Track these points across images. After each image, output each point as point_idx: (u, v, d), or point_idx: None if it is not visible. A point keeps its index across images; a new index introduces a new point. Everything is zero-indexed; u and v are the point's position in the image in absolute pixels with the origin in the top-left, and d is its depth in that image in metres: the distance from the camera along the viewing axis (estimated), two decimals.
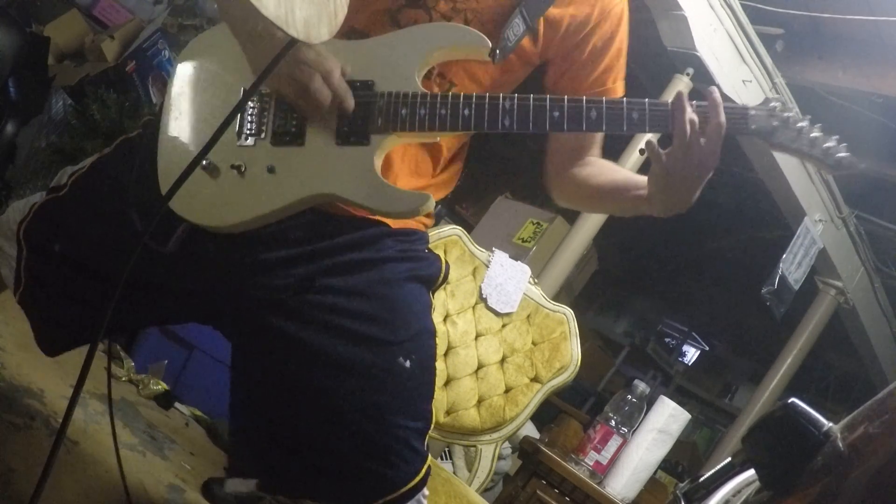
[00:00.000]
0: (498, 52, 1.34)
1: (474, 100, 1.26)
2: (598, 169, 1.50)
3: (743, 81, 3.40)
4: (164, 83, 3.80)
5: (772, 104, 1.28)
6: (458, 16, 1.36)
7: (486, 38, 1.27)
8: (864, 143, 3.84)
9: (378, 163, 1.27)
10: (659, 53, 3.32)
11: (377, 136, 1.27)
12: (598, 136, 1.53)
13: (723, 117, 1.24)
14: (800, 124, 1.27)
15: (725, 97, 1.28)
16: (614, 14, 1.45)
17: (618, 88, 1.49)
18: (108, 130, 3.40)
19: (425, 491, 1.36)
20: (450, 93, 1.27)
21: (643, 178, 1.37)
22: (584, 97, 1.26)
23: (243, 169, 1.29)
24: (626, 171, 1.48)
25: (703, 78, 3.29)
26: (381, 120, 1.26)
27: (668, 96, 3.34)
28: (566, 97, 1.26)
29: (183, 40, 3.88)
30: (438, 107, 1.25)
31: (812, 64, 3.58)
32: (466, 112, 1.25)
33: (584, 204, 1.59)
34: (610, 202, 1.52)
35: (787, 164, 3.75)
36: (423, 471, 1.35)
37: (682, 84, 3.32)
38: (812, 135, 1.27)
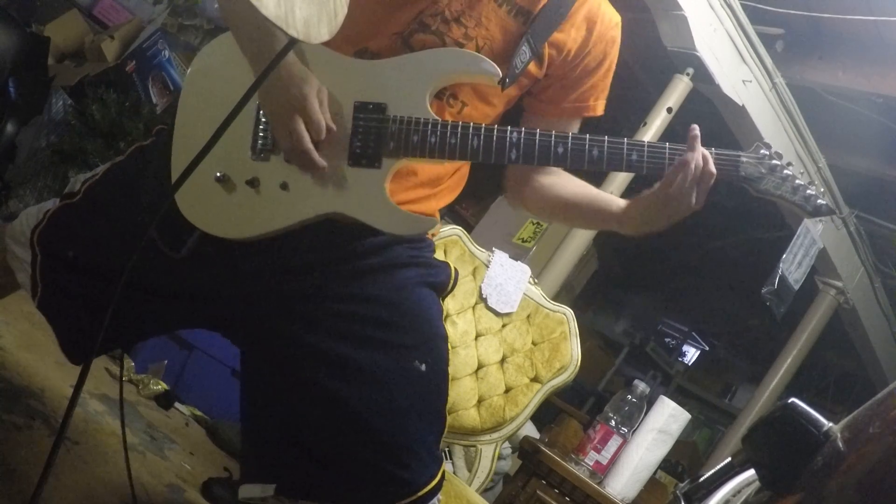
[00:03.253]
0: (507, 79, 1.38)
1: (483, 131, 1.30)
2: (566, 180, 1.53)
3: (743, 81, 3.40)
4: (164, 83, 3.79)
5: (762, 151, 1.34)
6: (469, 42, 1.38)
7: (496, 66, 1.31)
8: (864, 143, 3.84)
9: (388, 185, 1.30)
10: (659, 53, 3.32)
11: (388, 159, 1.30)
12: None
13: (713, 167, 1.29)
14: (785, 172, 1.33)
15: (718, 154, 1.32)
16: (609, 37, 1.49)
17: (598, 107, 1.54)
18: (108, 130, 3.40)
19: (439, 495, 1.36)
20: (460, 122, 1.31)
21: (613, 198, 1.44)
22: (587, 136, 1.31)
23: (257, 184, 1.32)
24: (589, 185, 1.52)
25: (703, 78, 3.28)
26: (393, 144, 1.30)
27: (669, 96, 3.34)
28: (570, 134, 1.31)
29: (183, 40, 3.87)
30: (449, 136, 1.29)
31: (812, 64, 3.58)
32: (475, 143, 1.30)
33: (546, 213, 1.60)
34: (576, 215, 1.55)
35: None
36: (440, 474, 1.36)
37: (682, 84, 3.32)
38: (796, 182, 1.33)
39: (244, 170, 1.32)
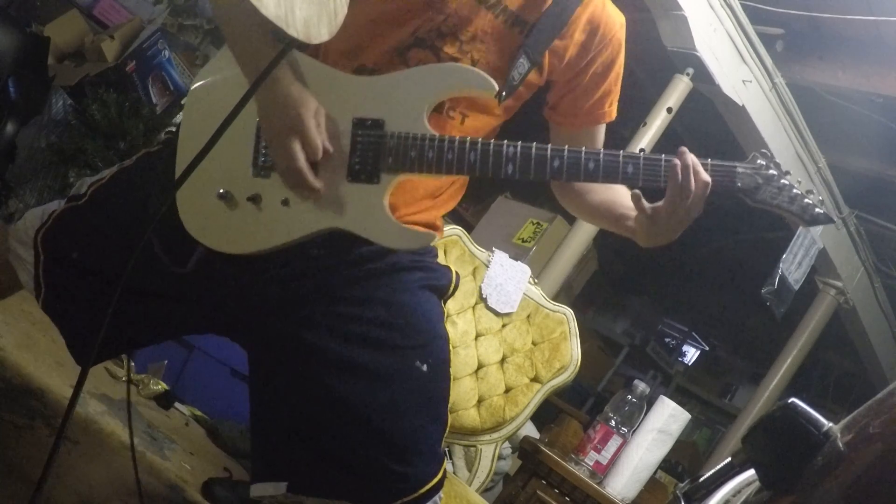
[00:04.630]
0: (504, 93, 1.39)
1: (480, 146, 1.30)
2: (597, 185, 1.55)
3: (743, 81, 3.40)
4: (163, 83, 3.79)
5: (759, 161, 1.34)
6: (464, 57, 1.39)
7: (493, 81, 1.31)
8: (864, 143, 3.84)
9: (387, 201, 1.32)
10: (659, 53, 3.31)
11: (387, 175, 1.31)
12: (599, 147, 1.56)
13: (707, 176, 1.30)
14: (782, 181, 1.33)
15: (715, 165, 1.33)
16: (615, 41, 1.49)
17: (612, 112, 1.56)
18: (108, 130, 3.40)
19: (440, 493, 1.37)
20: (457, 137, 1.31)
21: (632, 206, 1.43)
22: (583, 148, 1.32)
23: (259, 201, 1.33)
24: (622, 193, 1.52)
25: (703, 78, 3.28)
26: (392, 160, 1.30)
27: (669, 96, 3.33)
28: (566, 147, 1.31)
29: (183, 40, 3.87)
30: (446, 151, 1.30)
31: (812, 64, 3.57)
32: (472, 157, 1.30)
33: (582, 216, 1.67)
34: (602, 221, 1.58)
35: (787, 164, 3.74)
36: (441, 472, 1.37)
37: (682, 84, 3.32)
38: (793, 192, 1.33)
39: (246, 187, 1.34)
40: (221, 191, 1.34)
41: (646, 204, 1.34)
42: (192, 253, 1.37)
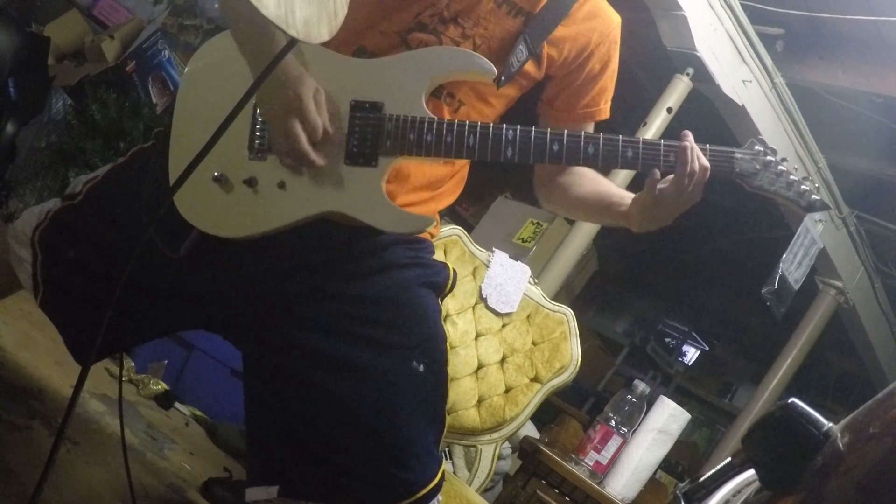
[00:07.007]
0: (503, 77, 1.39)
1: (479, 129, 1.31)
2: (583, 179, 1.56)
3: (743, 81, 3.40)
4: (163, 83, 3.79)
5: (756, 147, 1.36)
6: (466, 41, 1.39)
7: (492, 65, 1.32)
8: (864, 143, 3.84)
9: (385, 184, 1.31)
10: (659, 53, 3.31)
11: (385, 158, 1.31)
12: None
13: (706, 161, 1.32)
14: (780, 167, 1.35)
15: (713, 151, 1.35)
16: (611, 38, 1.51)
17: (606, 109, 1.57)
18: (108, 130, 3.40)
19: (439, 496, 1.37)
20: (456, 120, 1.31)
21: (623, 194, 1.46)
22: (583, 133, 1.33)
23: (255, 184, 1.32)
24: (607, 183, 1.55)
25: (703, 78, 3.28)
26: (390, 143, 1.30)
27: (669, 96, 3.34)
28: (566, 132, 1.32)
29: (183, 40, 3.87)
30: (445, 134, 1.30)
31: (812, 64, 3.57)
32: (471, 141, 1.30)
33: (568, 211, 1.67)
34: (591, 212, 1.59)
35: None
36: (440, 474, 1.37)
37: (682, 84, 3.32)
38: (790, 178, 1.35)
39: (242, 169, 1.33)
40: (217, 174, 1.32)
41: (659, 185, 1.35)
42: (185, 237, 1.35)
